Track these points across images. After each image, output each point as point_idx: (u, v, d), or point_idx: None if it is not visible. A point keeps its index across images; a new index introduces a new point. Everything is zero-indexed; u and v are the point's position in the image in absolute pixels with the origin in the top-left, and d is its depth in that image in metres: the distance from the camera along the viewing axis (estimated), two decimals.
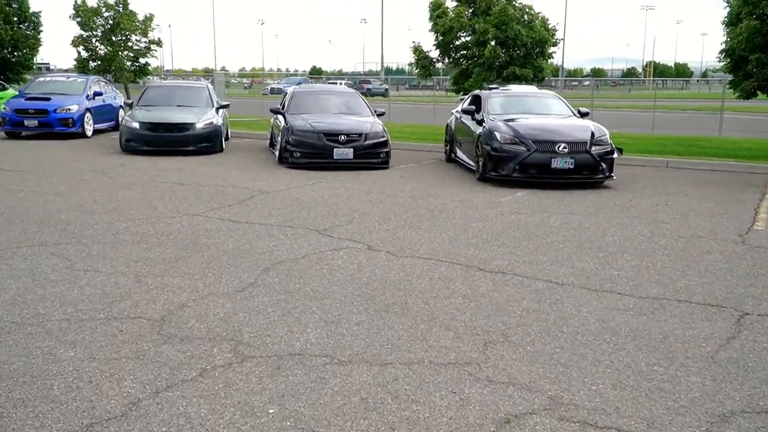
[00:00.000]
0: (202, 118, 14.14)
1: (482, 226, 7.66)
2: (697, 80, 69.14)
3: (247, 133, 18.87)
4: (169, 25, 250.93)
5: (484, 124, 11.24)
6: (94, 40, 27.28)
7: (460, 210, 8.58)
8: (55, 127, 16.59)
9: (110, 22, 26.91)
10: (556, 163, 10.20)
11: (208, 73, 72.13)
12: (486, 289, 5.30)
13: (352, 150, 12.06)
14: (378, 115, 13.65)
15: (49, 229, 7.07)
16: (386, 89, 52.57)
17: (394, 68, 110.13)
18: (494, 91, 12.63)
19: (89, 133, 17.36)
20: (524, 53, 17.65)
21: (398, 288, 5.29)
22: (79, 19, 26.82)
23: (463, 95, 17.42)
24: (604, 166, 10.46)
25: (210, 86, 16.18)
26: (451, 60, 19.20)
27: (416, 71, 20.25)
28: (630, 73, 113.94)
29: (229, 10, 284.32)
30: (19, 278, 5.34)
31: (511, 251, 6.52)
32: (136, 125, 13.78)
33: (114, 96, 19.39)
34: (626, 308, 4.92)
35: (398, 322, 4.55)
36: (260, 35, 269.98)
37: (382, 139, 12.46)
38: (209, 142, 14.05)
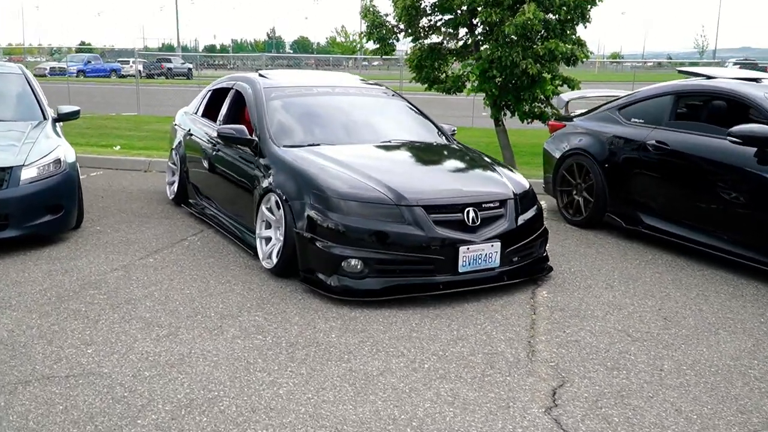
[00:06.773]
0: (31, 155, 5.64)
1: None
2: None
3: (90, 157, 10.17)
4: None
5: None
6: None
7: None
8: None
9: None
10: None
11: None
12: None
13: (498, 245, 4.65)
14: (446, 136, 6.31)
15: None
16: (189, 69, 42.84)
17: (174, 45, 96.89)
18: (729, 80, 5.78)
19: None
20: (563, 19, 10.93)
21: None
22: None
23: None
24: None
25: (28, 73, 7.42)
26: (414, 32, 11.92)
27: (368, 46, 12.70)
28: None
29: None
30: None
31: None
32: None
33: None
34: None
35: None
36: (19, 8, 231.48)
37: (537, 209, 5.18)
38: (55, 213, 5.67)
